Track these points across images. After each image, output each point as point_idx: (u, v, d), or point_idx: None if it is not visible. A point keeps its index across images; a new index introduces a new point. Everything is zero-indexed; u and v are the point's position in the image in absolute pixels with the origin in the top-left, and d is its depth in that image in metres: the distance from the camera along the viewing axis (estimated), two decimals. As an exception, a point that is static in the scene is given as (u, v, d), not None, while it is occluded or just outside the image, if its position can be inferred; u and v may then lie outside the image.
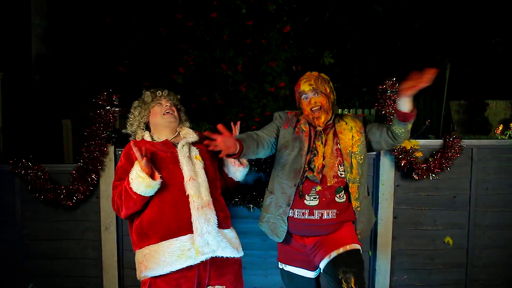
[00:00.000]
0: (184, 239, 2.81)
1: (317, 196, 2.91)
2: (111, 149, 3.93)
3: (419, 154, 3.91)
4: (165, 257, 2.78)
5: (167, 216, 2.83)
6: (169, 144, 3.03)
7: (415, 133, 4.36)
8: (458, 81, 8.73)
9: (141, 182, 2.73)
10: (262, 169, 3.93)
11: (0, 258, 4.03)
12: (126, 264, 4.06)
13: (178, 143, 3.02)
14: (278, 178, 3.06)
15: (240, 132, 3.23)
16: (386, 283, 4.04)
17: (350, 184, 2.95)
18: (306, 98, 3.04)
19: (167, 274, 2.79)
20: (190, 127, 3.25)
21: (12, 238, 4.02)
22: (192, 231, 2.82)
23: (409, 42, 8.17)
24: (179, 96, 3.28)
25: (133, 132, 3.16)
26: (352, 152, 2.98)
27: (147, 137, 3.09)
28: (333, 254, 2.86)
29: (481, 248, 4.11)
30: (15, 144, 5.81)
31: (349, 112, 10.14)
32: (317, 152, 2.97)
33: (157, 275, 2.80)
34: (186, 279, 2.80)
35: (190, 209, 2.84)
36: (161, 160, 2.91)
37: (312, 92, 3.01)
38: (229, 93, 5.22)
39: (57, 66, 7.13)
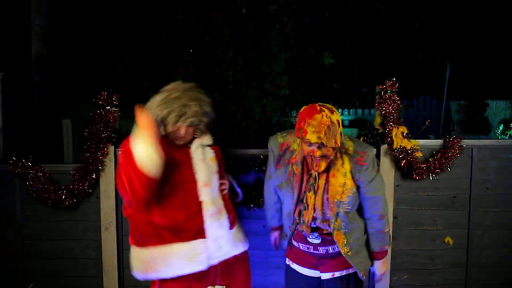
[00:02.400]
0: (195, 244, 2.77)
1: (319, 236, 2.85)
2: (111, 149, 3.93)
3: (419, 154, 3.91)
4: (175, 260, 2.73)
5: (180, 220, 2.75)
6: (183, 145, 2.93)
7: (415, 133, 4.36)
8: (458, 81, 8.75)
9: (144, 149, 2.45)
10: (262, 170, 3.93)
11: (0, 258, 4.03)
12: (126, 264, 4.06)
13: (191, 144, 2.91)
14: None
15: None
16: (386, 283, 4.04)
17: (335, 233, 2.76)
18: (309, 146, 2.60)
19: (177, 276, 2.77)
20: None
21: (12, 238, 4.02)
22: (204, 236, 2.78)
23: (409, 42, 8.18)
24: (207, 115, 2.91)
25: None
26: (340, 201, 2.71)
27: (161, 131, 2.82)
28: (336, 274, 2.86)
29: (481, 248, 4.11)
30: (15, 144, 5.82)
31: (349, 113, 10.15)
32: (308, 205, 2.75)
33: (165, 278, 2.77)
34: (196, 281, 2.78)
35: (203, 215, 2.79)
36: (175, 160, 2.80)
37: (317, 145, 2.58)
38: (229, 92, 5.22)
39: (57, 66, 7.14)
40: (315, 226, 2.82)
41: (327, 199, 2.73)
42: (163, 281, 2.79)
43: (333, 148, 2.62)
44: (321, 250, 2.87)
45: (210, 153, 2.95)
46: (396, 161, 3.91)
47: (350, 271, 2.86)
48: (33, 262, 4.05)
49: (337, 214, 2.73)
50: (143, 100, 2.97)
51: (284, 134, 2.92)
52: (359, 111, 10.12)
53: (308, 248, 2.90)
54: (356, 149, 2.73)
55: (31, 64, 6.78)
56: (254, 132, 5.21)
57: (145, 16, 5.63)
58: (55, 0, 7.27)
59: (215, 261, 2.80)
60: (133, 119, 2.58)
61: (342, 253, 2.80)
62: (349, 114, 10.10)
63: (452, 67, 8.08)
